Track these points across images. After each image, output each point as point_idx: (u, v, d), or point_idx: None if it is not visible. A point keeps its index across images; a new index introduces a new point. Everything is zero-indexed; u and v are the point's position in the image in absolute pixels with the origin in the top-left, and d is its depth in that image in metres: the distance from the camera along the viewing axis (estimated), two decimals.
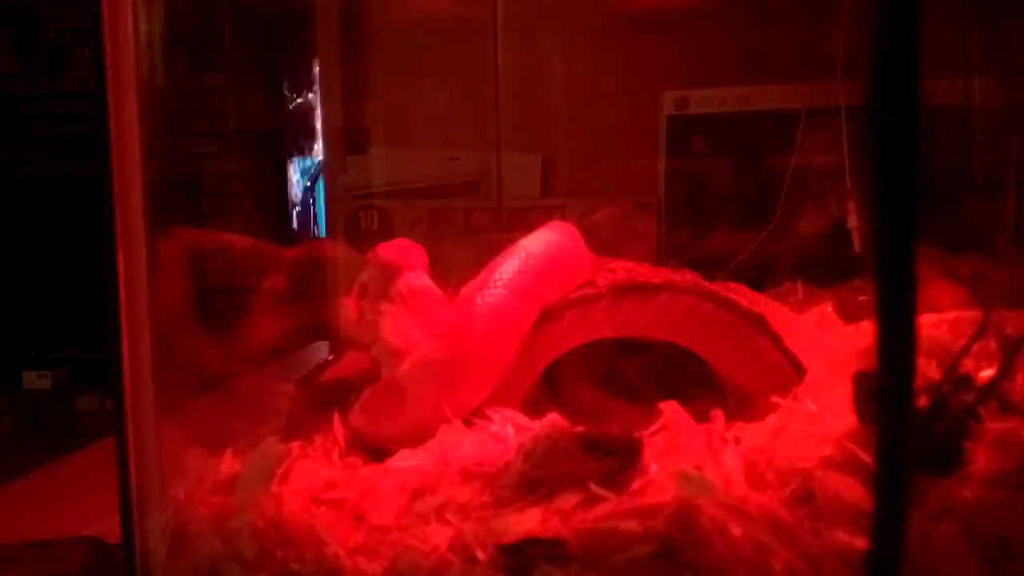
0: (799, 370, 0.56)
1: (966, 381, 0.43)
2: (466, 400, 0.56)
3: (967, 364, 0.44)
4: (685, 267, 0.72)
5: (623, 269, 0.63)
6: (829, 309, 0.70)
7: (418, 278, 0.60)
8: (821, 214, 0.93)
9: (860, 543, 0.35)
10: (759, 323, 0.58)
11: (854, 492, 0.39)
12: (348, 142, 1.10)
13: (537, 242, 0.62)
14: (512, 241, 0.62)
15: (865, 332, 0.57)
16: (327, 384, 0.68)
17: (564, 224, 0.67)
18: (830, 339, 0.63)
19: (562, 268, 0.61)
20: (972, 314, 0.51)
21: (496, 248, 0.62)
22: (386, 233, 1.03)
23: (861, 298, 0.73)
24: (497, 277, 0.58)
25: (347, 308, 0.62)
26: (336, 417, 0.59)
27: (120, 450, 0.43)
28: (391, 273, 0.60)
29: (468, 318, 0.57)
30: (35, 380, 3.04)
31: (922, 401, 0.41)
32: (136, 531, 0.44)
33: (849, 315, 0.67)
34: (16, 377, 3.05)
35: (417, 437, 0.55)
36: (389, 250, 0.61)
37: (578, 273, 0.62)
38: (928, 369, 0.43)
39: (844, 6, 0.82)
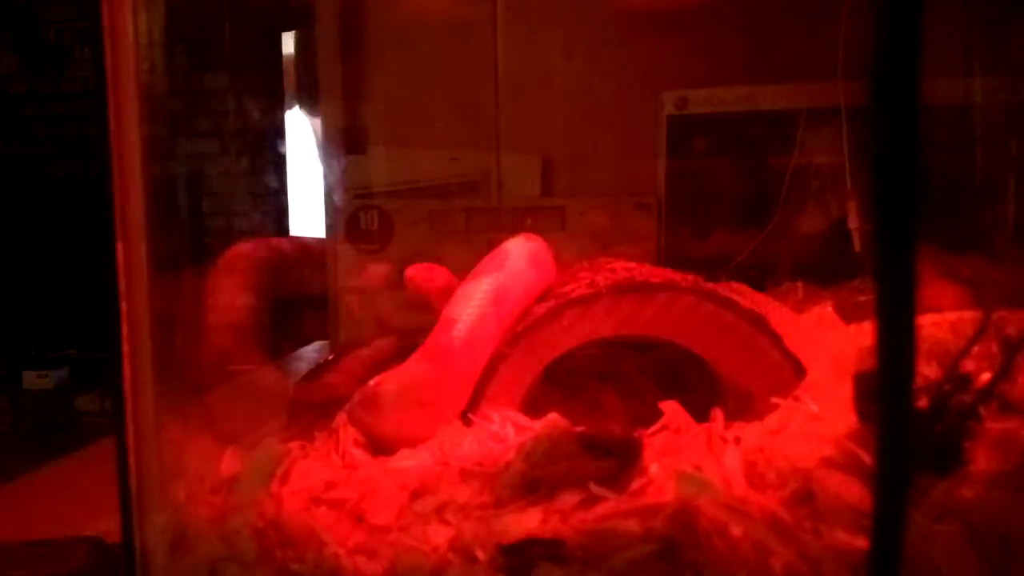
0: (799, 370, 0.56)
1: (966, 381, 0.43)
2: (441, 418, 0.58)
3: (967, 364, 0.44)
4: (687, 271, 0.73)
5: (623, 269, 0.63)
6: (829, 309, 0.70)
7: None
8: (821, 214, 0.93)
9: (860, 543, 0.35)
10: (759, 323, 0.58)
11: (854, 492, 0.39)
12: (348, 142, 1.10)
13: (513, 259, 0.64)
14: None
15: (865, 332, 0.57)
16: (327, 384, 0.68)
17: (531, 236, 0.69)
18: (830, 339, 0.63)
19: (533, 283, 0.64)
20: (972, 314, 0.51)
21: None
22: (386, 233, 1.03)
23: (861, 298, 0.73)
24: (474, 300, 0.60)
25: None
26: (341, 416, 0.59)
27: (120, 450, 0.43)
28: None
29: (447, 344, 0.58)
30: (35, 380, 3.04)
31: (922, 401, 0.41)
32: (136, 531, 0.44)
33: (849, 315, 0.67)
34: (16, 377, 3.05)
35: (397, 447, 0.56)
36: (418, 272, 0.69)
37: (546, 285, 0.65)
38: (928, 369, 0.43)
39: (844, 6, 0.82)
